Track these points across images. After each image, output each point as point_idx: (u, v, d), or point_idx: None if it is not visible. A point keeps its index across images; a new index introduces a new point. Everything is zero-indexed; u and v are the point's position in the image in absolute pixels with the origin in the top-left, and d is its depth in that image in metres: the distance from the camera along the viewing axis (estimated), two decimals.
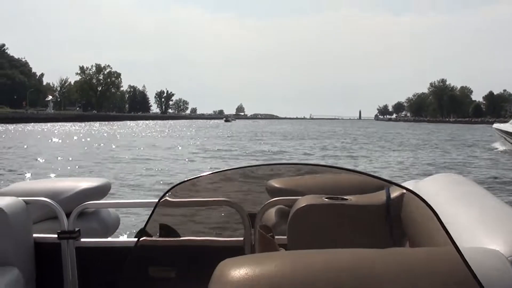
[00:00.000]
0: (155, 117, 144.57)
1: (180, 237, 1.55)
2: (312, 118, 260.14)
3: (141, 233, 1.25)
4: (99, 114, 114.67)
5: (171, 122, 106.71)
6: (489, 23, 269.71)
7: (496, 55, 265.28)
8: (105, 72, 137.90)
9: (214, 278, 0.85)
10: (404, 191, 1.46)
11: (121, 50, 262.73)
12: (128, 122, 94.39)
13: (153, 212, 1.22)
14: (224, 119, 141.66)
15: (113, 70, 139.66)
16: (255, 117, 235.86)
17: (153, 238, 1.37)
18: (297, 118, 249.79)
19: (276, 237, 1.32)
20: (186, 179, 1.22)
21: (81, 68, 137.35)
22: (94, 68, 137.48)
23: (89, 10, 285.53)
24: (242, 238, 1.70)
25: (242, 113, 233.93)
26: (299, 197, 1.35)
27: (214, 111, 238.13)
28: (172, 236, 1.51)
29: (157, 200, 1.20)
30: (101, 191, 2.44)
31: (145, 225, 1.23)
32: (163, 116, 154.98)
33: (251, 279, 0.82)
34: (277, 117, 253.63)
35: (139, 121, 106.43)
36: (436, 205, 1.28)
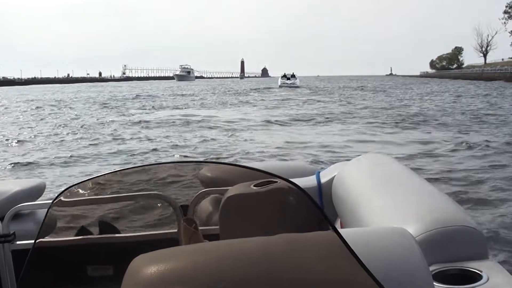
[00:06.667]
0: None
1: (120, 233, 1.59)
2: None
3: (40, 234, 1.28)
4: None
5: None
6: None
7: None
8: None
9: (126, 275, 0.83)
10: (335, 173, 1.77)
11: None
12: None
13: (47, 213, 1.17)
14: None
15: None
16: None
17: (57, 239, 1.40)
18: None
19: (212, 227, 1.36)
20: (81, 181, 1.17)
21: None
22: None
23: None
24: (176, 230, 1.68)
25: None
26: (229, 187, 1.32)
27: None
28: (112, 233, 1.56)
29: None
30: (35, 192, 2.43)
31: (41, 227, 1.20)
32: None
33: (162, 274, 0.81)
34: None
35: None
36: (359, 186, 1.49)
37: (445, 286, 1.14)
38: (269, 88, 57.19)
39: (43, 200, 2.42)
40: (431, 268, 1.16)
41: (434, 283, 1.05)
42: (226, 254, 0.89)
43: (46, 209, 1.94)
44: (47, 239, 1.31)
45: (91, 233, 1.48)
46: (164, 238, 1.63)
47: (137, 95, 42.54)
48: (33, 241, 1.85)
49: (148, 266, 0.83)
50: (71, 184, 1.17)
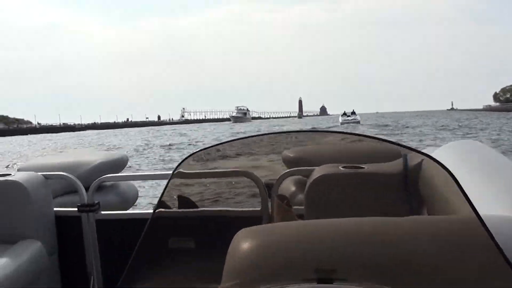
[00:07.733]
0: None
1: (198, 208, 1.59)
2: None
3: (158, 205, 1.30)
4: None
5: None
6: None
7: None
8: None
9: (232, 247, 0.85)
10: (423, 157, 1.51)
11: None
12: None
13: (168, 183, 1.23)
14: None
15: None
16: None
17: (170, 210, 1.38)
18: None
19: (294, 207, 1.33)
20: (199, 149, 1.20)
21: None
22: None
23: None
24: (259, 209, 1.69)
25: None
26: (316, 167, 1.32)
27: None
28: (190, 207, 1.55)
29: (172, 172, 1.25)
30: (119, 164, 2.53)
31: (161, 197, 1.25)
32: None
33: (267, 247, 0.82)
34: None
35: None
36: (454, 172, 1.29)
37: None
38: (331, 127, 51.14)
39: (125, 172, 2.47)
40: None
41: None
42: (338, 232, 0.82)
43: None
44: (165, 209, 1.29)
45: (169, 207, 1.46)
46: (249, 216, 1.60)
47: (169, 144, 33.32)
48: (116, 211, 2.08)
49: (252, 239, 0.82)
50: (187, 156, 1.15)
